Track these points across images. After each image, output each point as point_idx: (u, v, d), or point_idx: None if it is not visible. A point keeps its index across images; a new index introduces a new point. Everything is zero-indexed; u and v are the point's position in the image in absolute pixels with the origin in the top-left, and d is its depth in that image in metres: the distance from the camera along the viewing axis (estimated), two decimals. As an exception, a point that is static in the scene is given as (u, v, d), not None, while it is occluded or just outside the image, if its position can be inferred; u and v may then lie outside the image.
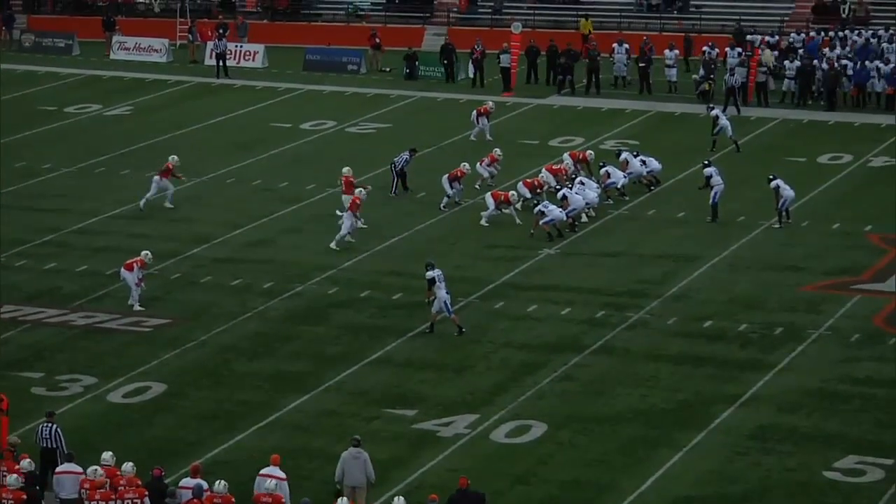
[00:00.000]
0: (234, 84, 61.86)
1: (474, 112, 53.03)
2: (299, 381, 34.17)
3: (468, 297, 39.13)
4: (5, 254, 41.98)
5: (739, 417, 32.65)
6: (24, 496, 26.53)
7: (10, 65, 64.56)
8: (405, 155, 47.45)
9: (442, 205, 45.46)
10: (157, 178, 45.54)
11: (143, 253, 38.76)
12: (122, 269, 38.54)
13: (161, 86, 61.78)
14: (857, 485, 29.44)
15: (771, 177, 44.65)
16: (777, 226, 44.04)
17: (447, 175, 45.61)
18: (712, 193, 44.26)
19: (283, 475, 27.36)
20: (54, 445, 29.00)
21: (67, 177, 49.36)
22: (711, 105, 47.57)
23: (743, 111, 56.90)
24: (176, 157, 46.43)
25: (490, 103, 54.23)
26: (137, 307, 38.25)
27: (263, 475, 27.20)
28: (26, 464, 27.29)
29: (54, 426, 29.16)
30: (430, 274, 37.19)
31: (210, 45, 65.02)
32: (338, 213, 42.84)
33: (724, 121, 50.81)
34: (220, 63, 63.12)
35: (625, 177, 46.15)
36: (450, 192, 45.28)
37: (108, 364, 35.00)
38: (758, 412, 32.93)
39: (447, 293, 36.64)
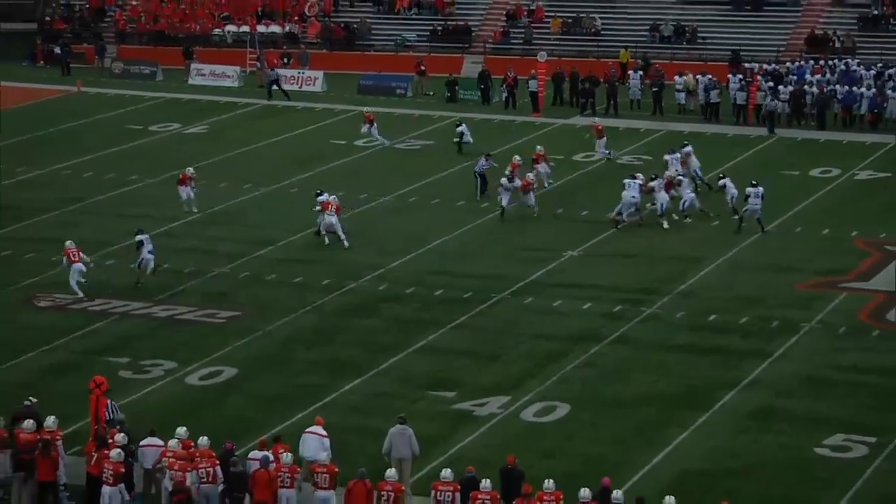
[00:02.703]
0: (296, 106, 61.92)
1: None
2: (352, 367, 34.17)
3: (501, 293, 39.07)
4: (97, 254, 42.08)
5: (740, 400, 32.53)
6: (122, 469, 26.60)
7: (102, 89, 64.84)
8: (482, 160, 47.46)
9: (504, 203, 45.26)
10: (179, 187, 46.05)
11: (67, 243, 39.14)
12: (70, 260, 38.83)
13: (233, 107, 61.90)
14: (843, 459, 29.33)
15: (721, 175, 45.16)
16: (736, 216, 44.11)
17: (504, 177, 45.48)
18: (743, 211, 43.85)
19: (325, 434, 27.40)
20: (110, 416, 29.07)
21: (150, 187, 49.48)
22: (722, 174, 46.41)
23: (743, 130, 56.79)
24: (192, 169, 46.74)
25: (366, 109, 55.84)
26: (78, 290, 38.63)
27: (307, 432, 27.37)
28: (120, 438, 27.33)
29: (111, 402, 29.28)
30: None
31: (269, 72, 65.07)
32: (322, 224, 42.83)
33: (733, 189, 46.14)
34: (273, 87, 63.28)
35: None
36: (509, 186, 44.98)
37: (186, 351, 35.05)
38: (756, 395, 32.81)
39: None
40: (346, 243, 42.22)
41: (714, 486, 27.85)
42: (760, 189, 43.89)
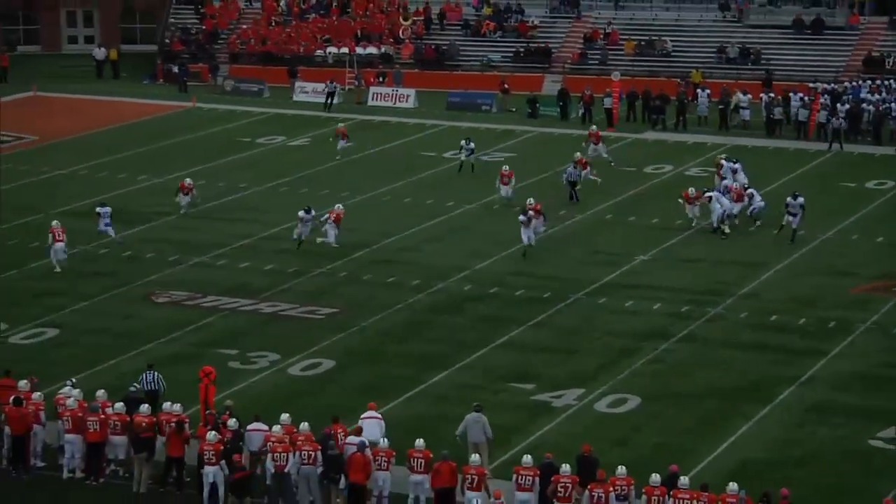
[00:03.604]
0: (390, 121, 62.09)
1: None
2: (440, 361, 34.20)
3: (577, 293, 38.95)
4: (209, 255, 42.48)
5: (798, 395, 32.23)
6: (221, 447, 26.80)
7: (214, 105, 65.39)
8: (570, 168, 47.39)
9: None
10: (180, 195, 46.33)
11: (54, 223, 41.19)
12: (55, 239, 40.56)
13: (333, 122, 62.11)
14: (896, 452, 29.02)
15: (705, 189, 44.83)
16: (724, 234, 43.64)
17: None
18: (792, 221, 43.24)
19: (379, 416, 27.69)
20: (156, 388, 29.47)
21: (258, 194, 49.80)
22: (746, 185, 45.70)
23: (804, 145, 56.28)
24: (190, 180, 46.95)
25: (341, 124, 55.86)
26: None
27: (365, 418, 27.61)
28: (233, 423, 27.53)
29: (156, 373, 29.81)
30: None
31: (326, 84, 65.38)
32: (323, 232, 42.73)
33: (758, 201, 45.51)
34: (330, 101, 63.81)
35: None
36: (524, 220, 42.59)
37: (289, 344, 35.20)
38: (814, 391, 32.49)
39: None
40: (334, 245, 42.35)
41: (773, 475, 27.59)
42: (801, 199, 43.29)
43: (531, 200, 42.57)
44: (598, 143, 52.53)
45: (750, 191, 45.28)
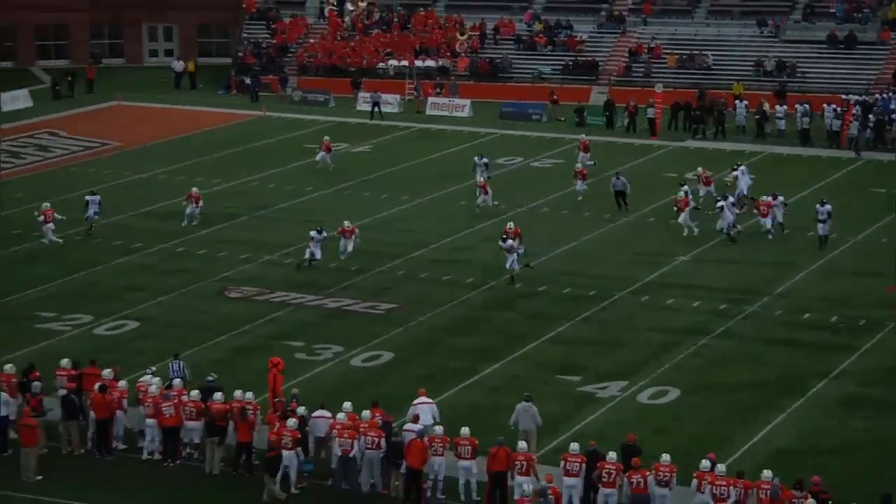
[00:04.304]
0: (446, 129, 62.13)
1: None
2: (493, 353, 34.21)
3: (621, 291, 38.85)
4: (277, 253, 42.68)
5: (830, 388, 32.02)
6: (299, 435, 26.94)
7: (284, 114, 65.65)
8: (614, 179, 47.23)
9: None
10: (189, 204, 45.24)
11: (45, 204, 43.09)
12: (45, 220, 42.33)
13: (394, 130, 62.33)
14: (922, 443, 28.78)
15: (717, 198, 44.11)
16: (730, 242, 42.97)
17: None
18: (822, 228, 42.76)
19: (430, 400, 27.79)
20: (180, 376, 29.51)
21: (324, 197, 49.96)
22: (721, 194, 44.63)
23: (836, 153, 55.92)
24: (197, 189, 46.13)
25: (326, 138, 54.43)
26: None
27: (418, 404, 27.63)
28: (302, 410, 27.66)
29: (181, 363, 30.04)
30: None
31: (369, 95, 65.46)
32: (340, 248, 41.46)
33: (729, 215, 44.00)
34: (376, 109, 63.84)
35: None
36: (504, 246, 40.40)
37: (351, 337, 35.33)
38: (845, 384, 32.27)
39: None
40: (342, 257, 41.07)
41: (806, 463, 27.43)
42: (828, 207, 42.87)
43: (511, 224, 40.53)
44: (586, 151, 52.08)
45: (730, 200, 44.15)
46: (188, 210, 45.10)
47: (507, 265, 39.46)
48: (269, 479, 26.43)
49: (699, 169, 48.15)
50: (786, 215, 44.33)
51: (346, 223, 41.67)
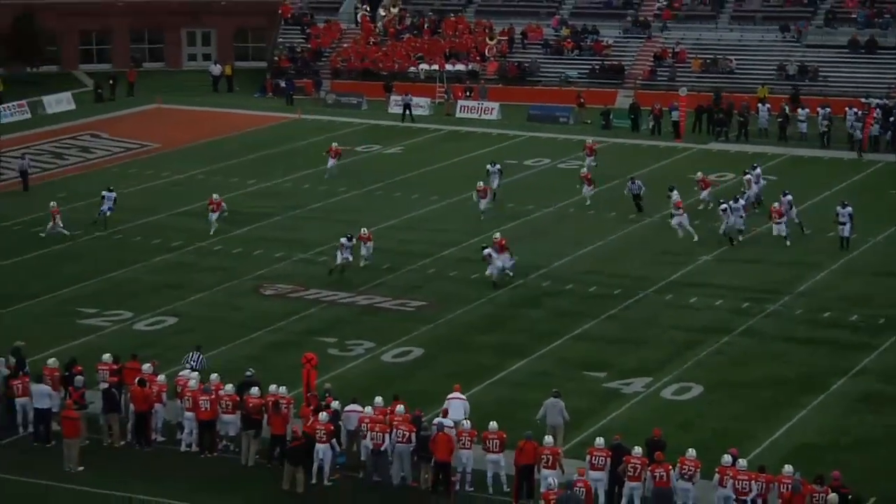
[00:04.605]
0: (475, 131, 62.10)
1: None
2: (519, 350, 34.18)
3: (645, 290, 38.75)
4: (311, 252, 42.76)
5: (850, 385, 31.86)
6: (332, 427, 26.99)
7: (317, 116, 65.78)
8: (629, 184, 47.04)
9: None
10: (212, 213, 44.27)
11: (52, 203, 43.96)
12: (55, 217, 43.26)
13: (424, 132, 62.36)
14: (940, 439, 28.58)
15: (721, 201, 43.69)
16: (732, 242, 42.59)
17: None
18: (843, 230, 42.42)
19: (463, 396, 27.75)
20: (198, 367, 29.68)
21: (356, 197, 50.01)
22: (723, 200, 44.03)
23: (856, 155, 55.56)
24: (217, 195, 45.16)
25: (334, 145, 53.29)
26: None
27: (451, 399, 27.63)
28: (336, 404, 27.71)
29: (201, 355, 30.29)
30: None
31: (401, 98, 65.40)
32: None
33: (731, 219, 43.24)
34: (407, 111, 63.81)
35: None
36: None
37: (382, 333, 35.35)
38: (864, 382, 32.10)
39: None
40: (361, 264, 40.24)
41: (826, 458, 27.27)
42: (849, 209, 42.57)
43: (497, 235, 39.83)
44: (591, 155, 51.81)
45: (740, 203, 43.64)
46: (212, 217, 44.07)
47: (487, 272, 38.72)
48: (290, 468, 26.49)
49: (699, 173, 47.84)
50: (799, 213, 43.87)
51: (364, 230, 41.01)
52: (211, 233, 43.78)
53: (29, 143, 58.35)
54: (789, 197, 44.09)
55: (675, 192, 44.61)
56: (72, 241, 43.77)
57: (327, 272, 39.95)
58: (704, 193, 46.72)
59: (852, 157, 55.79)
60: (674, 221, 43.41)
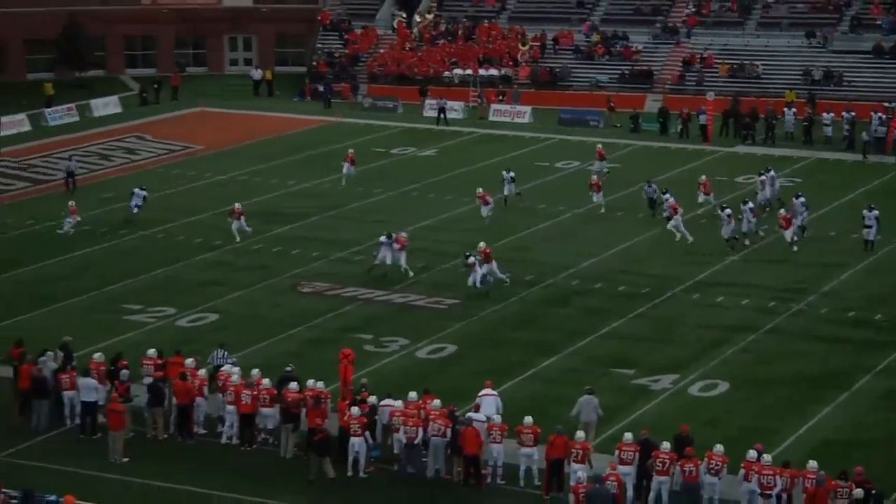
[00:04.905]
0: (508, 135, 62.04)
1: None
2: (550, 347, 34.14)
3: (673, 289, 38.63)
4: (347, 251, 42.84)
5: (873, 383, 31.67)
6: (366, 420, 27.05)
7: (355, 119, 65.84)
8: (646, 187, 46.79)
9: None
10: (232, 220, 43.42)
11: (71, 203, 44.72)
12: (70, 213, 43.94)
13: (458, 135, 62.34)
14: (962, 437, 28.35)
15: (724, 206, 43.25)
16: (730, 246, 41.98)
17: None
18: (868, 233, 41.98)
19: (495, 392, 27.68)
20: (222, 363, 29.73)
21: (391, 198, 50.06)
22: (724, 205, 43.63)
23: (882, 158, 55.11)
24: (239, 204, 44.13)
25: (351, 150, 52.52)
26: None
27: (482, 395, 27.51)
28: (373, 399, 27.77)
29: (225, 352, 30.26)
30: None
31: (435, 102, 65.38)
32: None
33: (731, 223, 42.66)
34: (441, 115, 63.82)
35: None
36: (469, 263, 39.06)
37: (417, 330, 35.38)
38: (887, 379, 31.89)
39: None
40: (410, 273, 39.34)
41: (850, 455, 27.10)
42: (876, 212, 42.23)
43: (482, 245, 38.82)
44: (601, 160, 51.45)
45: (749, 205, 43.08)
46: (235, 225, 43.02)
47: (469, 281, 37.81)
48: (316, 460, 26.59)
49: (702, 177, 47.50)
50: (805, 219, 43.46)
51: (403, 234, 40.31)
52: (237, 240, 42.92)
53: (77, 144, 58.75)
54: (802, 199, 43.80)
55: (669, 195, 44.33)
56: (117, 239, 44.00)
57: (367, 270, 39.85)
58: (705, 197, 46.21)
59: (876, 159, 55.29)
60: (670, 224, 43.14)
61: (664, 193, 44.83)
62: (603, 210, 46.81)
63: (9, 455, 27.87)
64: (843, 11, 69.97)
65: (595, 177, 48.55)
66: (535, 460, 26.32)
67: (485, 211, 45.43)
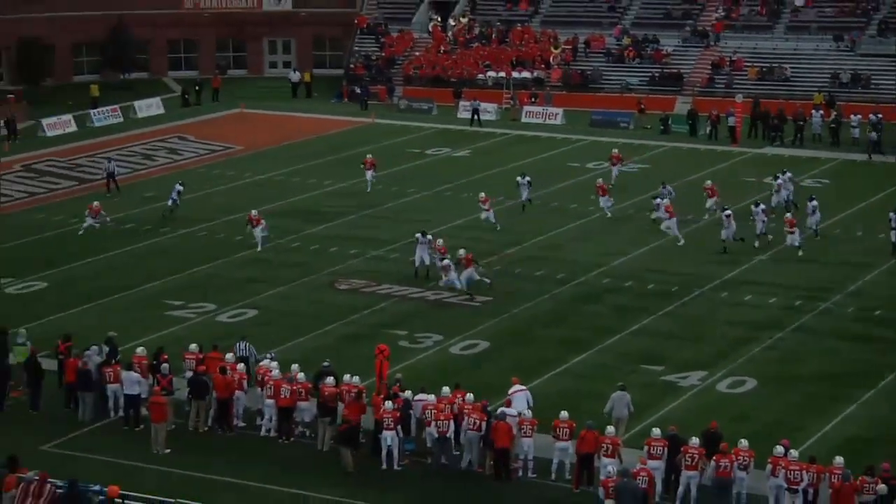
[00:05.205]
0: (540, 136, 61.94)
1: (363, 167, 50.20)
2: (580, 344, 34.06)
3: (702, 288, 38.47)
4: (383, 249, 42.90)
5: (899, 381, 31.42)
6: (399, 414, 27.09)
7: (390, 121, 65.93)
8: (661, 188, 46.58)
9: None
10: (252, 228, 42.30)
11: (95, 203, 44.67)
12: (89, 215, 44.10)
13: (491, 136, 62.31)
14: None
15: (725, 207, 42.81)
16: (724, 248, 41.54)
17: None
18: (895, 234, 41.50)
19: (524, 387, 27.68)
20: (247, 355, 29.87)
21: (426, 198, 50.10)
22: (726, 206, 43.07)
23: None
24: (256, 212, 42.78)
25: (369, 155, 51.26)
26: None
27: (513, 392, 27.49)
28: (408, 393, 27.79)
29: (248, 343, 30.42)
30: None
31: (469, 103, 65.25)
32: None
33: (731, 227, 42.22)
34: (475, 116, 63.74)
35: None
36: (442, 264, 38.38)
37: (450, 327, 35.40)
38: (913, 378, 31.64)
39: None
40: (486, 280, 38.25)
41: (876, 451, 26.93)
42: None
43: (462, 251, 37.93)
44: (617, 163, 50.91)
45: (728, 211, 42.45)
46: (256, 232, 42.09)
47: (444, 282, 37.43)
48: (345, 451, 26.63)
49: (708, 182, 47.07)
50: (817, 221, 42.98)
51: (462, 252, 38.21)
52: (259, 249, 41.92)
53: (121, 145, 59.13)
54: (815, 202, 43.37)
55: (661, 199, 44.03)
56: (159, 237, 44.23)
57: (413, 275, 39.25)
58: (710, 202, 45.78)
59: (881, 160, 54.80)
60: (663, 225, 42.87)
61: (657, 199, 44.17)
62: (610, 216, 45.97)
63: (55, 446, 28.08)
64: (871, 15, 69.45)
65: (600, 180, 47.87)
66: (569, 454, 26.28)
67: (484, 215, 44.97)
